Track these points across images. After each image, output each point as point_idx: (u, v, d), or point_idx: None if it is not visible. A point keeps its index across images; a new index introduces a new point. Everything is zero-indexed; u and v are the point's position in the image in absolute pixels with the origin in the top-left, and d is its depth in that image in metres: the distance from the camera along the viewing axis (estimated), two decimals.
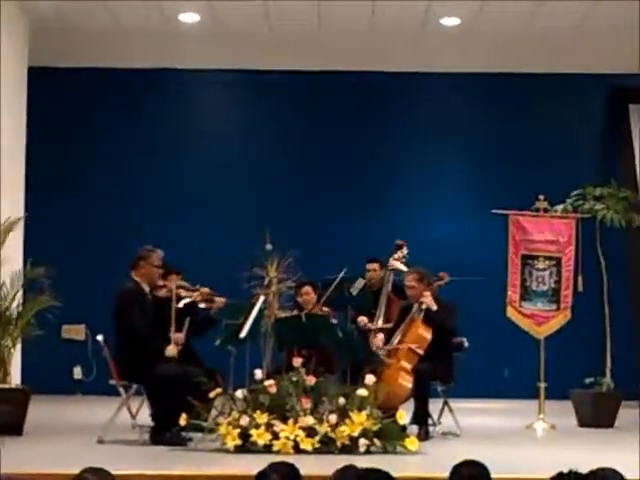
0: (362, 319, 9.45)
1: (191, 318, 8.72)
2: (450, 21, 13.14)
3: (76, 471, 3.77)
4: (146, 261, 8.42)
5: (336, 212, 13.63)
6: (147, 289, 8.46)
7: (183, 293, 8.69)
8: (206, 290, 8.79)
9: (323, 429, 7.49)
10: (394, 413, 7.75)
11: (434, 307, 8.75)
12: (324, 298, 9.33)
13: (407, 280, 9.05)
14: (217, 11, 12.83)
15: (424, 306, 8.78)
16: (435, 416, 9.09)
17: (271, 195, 13.59)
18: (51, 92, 13.35)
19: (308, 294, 9.40)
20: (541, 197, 10.49)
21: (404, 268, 9.47)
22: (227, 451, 7.48)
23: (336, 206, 13.66)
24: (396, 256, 9.70)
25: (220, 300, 8.86)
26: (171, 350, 8.23)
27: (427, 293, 8.81)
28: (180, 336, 8.43)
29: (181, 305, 8.71)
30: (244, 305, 8.60)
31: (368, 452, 7.46)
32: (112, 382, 8.40)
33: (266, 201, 13.47)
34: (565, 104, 13.89)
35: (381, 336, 8.95)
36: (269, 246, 8.60)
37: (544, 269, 10.40)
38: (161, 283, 8.60)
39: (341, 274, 9.40)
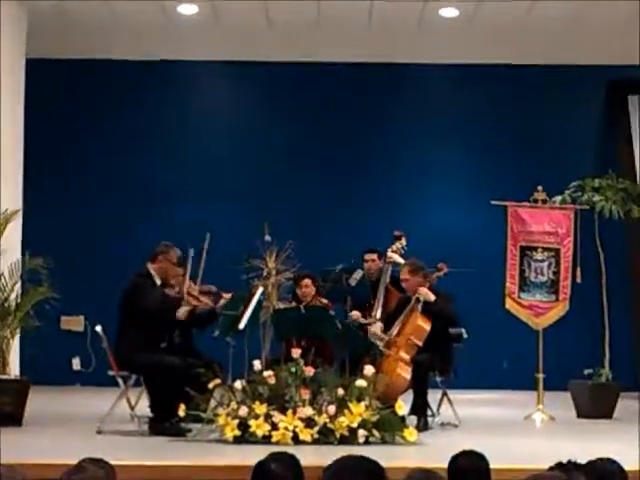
0: (355, 314, 9.42)
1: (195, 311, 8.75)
2: (449, 12, 13.12)
3: (75, 461, 3.77)
4: (165, 256, 8.46)
5: (335, 203, 13.63)
6: (159, 282, 8.48)
7: (192, 301, 8.60)
8: (209, 303, 8.74)
9: (322, 420, 7.50)
10: (393, 404, 7.76)
11: (432, 298, 8.75)
12: (318, 288, 9.34)
13: (402, 272, 9.06)
14: (215, 3, 12.81)
15: (421, 298, 8.77)
16: (434, 407, 9.11)
17: (270, 186, 13.57)
18: (49, 84, 13.31)
19: (307, 287, 9.41)
20: (540, 188, 10.49)
21: (401, 261, 9.48)
22: (226, 442, 7.50)
23: (335, 197, 13.66)
24: (394, 247, 9.70)
25: (226, 296, 8.85)
26: (182, 311, 8.28)
27: (422, 287, 8.80)
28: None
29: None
30: (244, 296, 8.62)
31: (367, 443, 7.48)
32: (111, 373, 8.42)
33: (265, 192, 13.46)
34: (564, 95, 13.87)
35: (380, 324, 8.94)
36: (268, 237, 8.62)
37: (542, 260, 10.41)
38: (173, 282, 8.60)
39: (339, 267, 9.40)
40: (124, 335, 8.29)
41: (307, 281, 9.44)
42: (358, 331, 8.89)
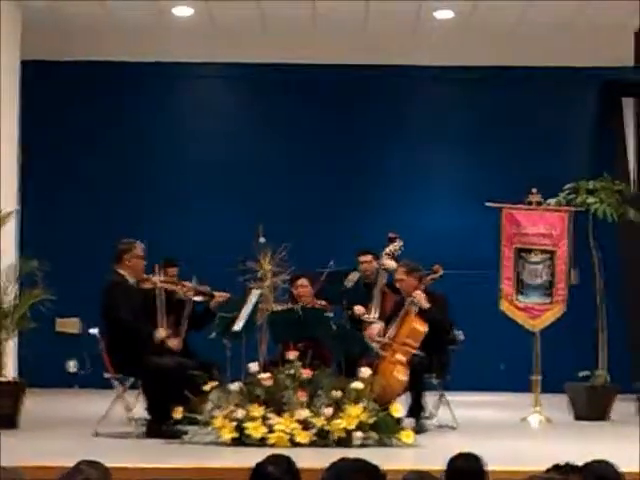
0: (359, 308, 9.41)
1: (192, 312, 8.74)
2: (444, 14, 13.12)
3: (71, 464, 3.77)
4: (130, 253, 8.43)
5: (331, 205, 13.61)
6: (132, 281, 8.47)
7: (168, 287, 8.67)
8: (189, 285, 8.77)
9: (319, 422, 7.51)
10: (389, 406, 7.77)
11: (425, 305, 8.76)
12: (316, 291, 9.34)
13: (396, 273, 9.07)
14: (211, 5, 12.80)
15: (416, 300, 8.78)
16: (431, 409, 9.11)
17: (266, 188, 13.56)
18: (44, 86, 13.31)
19: (304, 286, 9.39)
20: (534, 190, 10.48)
21: (395, 266, 9.46)
22: (223, 444, 7.51)
23: (330, 199, 13.64)
24: (389, 249, 9.68)
25: (223, 295, 8.85)
26: (161, 332, 8.26)
27: (418, 292, 8.81)
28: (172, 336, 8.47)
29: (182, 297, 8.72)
30: (240, 299, 8.63)
31: (364, 445, 7.49)
32: (107, 375, 8.41)
33: (260, 194, 13.45)
34: (558, 97, 13.87)
35: (378, 325, 8.94)
36: (262, 239, 8.61)
37: (538, 262, 10.41)
38: (145, 276, 8.60)
39: (328, 268, 9.40)
40: (115, 338, 8.29)
41: (303, 281, 9.41)
42: (354, 332, 8.89)
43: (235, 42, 13.56)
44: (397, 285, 9.07)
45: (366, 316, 9.31)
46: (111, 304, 8.27)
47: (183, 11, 13.11)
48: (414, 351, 8.62)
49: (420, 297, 8.78)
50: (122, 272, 8.43)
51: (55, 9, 12.61)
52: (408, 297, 8.88)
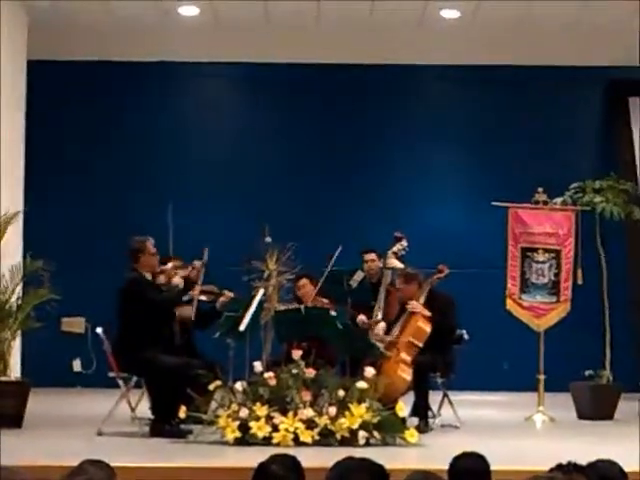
0: (361, 318, 9.35)
1: (196, 311, 8.76)
2: (450, 13, 13.11)
3: (75, 463, 3.77)
4: (144, 252, 8.46)
5: (336, 204, 13.61)
6: (150, 277, 8.50)
7: (181, 273, 8.72)
8: (196, 286, 8.79)
9: (323, 421, 7.51)
10: (393, 405, 7.76)
11: (426, 314, 8.75)
12: (318, 288, 9.33)
13: (397, 282, 9.08)
14: (216, 4, 12.81)
15: (412, 310, 8.77)
16: (435, 408, 9.10)
17: (270, 187, 13.56)
18: (50, 86, 13.30)
19: (305, 286, 9.39)
20: (540, 189, 10.49)
21: (401, 265, 9.46)
22: (226, 443, 7.51)
23: (336, 198, 13.64)
24: (395, 249, 9.68)
25: (227, 294, 8.87)
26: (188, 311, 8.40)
27: (413, 302, 8.78)
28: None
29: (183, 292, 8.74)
30: (245, 298, 8.63)
31: (367, 444, 7.49)
32: (111, 374, 8.42)
33: (265, 193, 13.45)
34: (564, 97, 13.86)
35: (382, 325, 8.95)
36: (268, 239, 8.62)
37: (544, 262, 10.41)
38: (159, 269, 8.64)
39: (336, 254, 9.35)
40: (125, 336, 8.29)
41: (304, 281, 9.41)
42: (358, 332, 8.88)
43: (240, 41, 13.56)
44: (397, 294, 9.09)
45: (370, 322, 9.25)
46: (136, 294, 8.31)
47: (188, 10, 13.12)
48: (418, 350, 8.62)
49: (414, 306, 8.77)
50: (139, 270, 8.47)
51: (60, 9, 12.61)
52: (405, 305, 8.88)
